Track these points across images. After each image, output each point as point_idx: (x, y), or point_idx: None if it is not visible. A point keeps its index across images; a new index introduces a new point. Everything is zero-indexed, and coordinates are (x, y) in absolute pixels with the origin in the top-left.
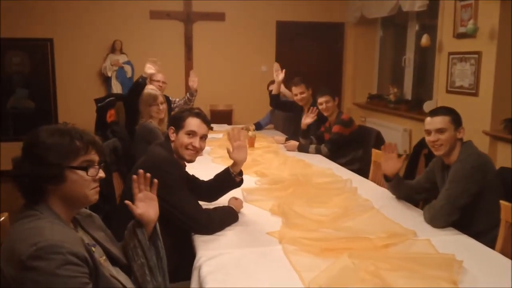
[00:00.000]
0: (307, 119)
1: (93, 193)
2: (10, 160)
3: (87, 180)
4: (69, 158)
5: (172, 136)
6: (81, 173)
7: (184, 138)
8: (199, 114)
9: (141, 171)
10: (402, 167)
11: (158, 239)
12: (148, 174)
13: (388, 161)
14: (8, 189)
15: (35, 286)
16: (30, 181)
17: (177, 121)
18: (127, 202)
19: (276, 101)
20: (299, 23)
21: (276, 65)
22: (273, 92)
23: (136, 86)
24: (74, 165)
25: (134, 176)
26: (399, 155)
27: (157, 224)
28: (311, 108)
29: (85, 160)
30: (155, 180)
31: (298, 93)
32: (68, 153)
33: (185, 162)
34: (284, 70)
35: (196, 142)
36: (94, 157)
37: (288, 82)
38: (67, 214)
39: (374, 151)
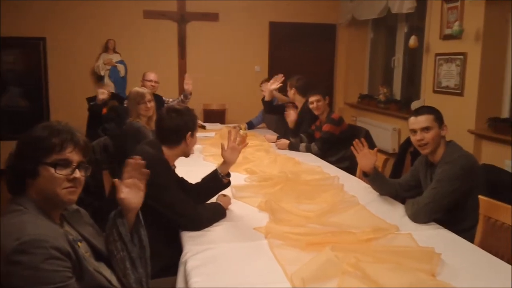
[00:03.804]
0: (291, 117)
1: (65, 193)
2: (2, 159)
3: (57, 178)
4: (44, 154)
5: (190, 139)
6: (52, 170)
7: (196, 138)
8: None
9: (138, 157)
10: (389, 166)
11: (141, 227)
12: (143, 162)
13: (363, 158)
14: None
15: (20, 281)
16: (10, 173)
17: (195, 124)
18: (116, 180)
19: (269, 107)
20: (292, 24)
21: (279, 77)
22: (265, 99)
23: (93, 112)
24: (47, 161)
25: (131, 160)
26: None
27: (140, 213)
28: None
29: (59, 159)
30: (146, 170)
31: (314, 101)
32: (44, 148)
33: (174, 164)
34: (280, 83)
35: None
36: (71, 156)
37: (283, 83)
38: (49, 209)
39: None
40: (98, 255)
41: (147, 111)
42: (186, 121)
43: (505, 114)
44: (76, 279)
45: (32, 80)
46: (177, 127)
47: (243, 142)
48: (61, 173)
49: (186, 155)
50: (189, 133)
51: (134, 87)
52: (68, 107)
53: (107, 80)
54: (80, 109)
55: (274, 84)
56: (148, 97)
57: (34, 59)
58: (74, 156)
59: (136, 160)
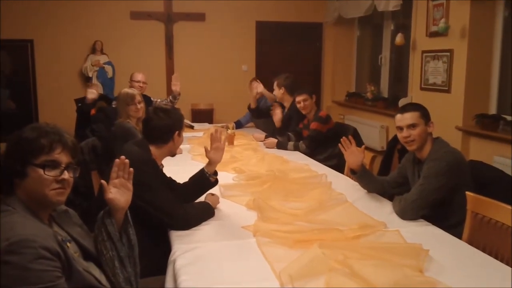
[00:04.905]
0: (276, 116)
1: (53, 194)
2: None
3: (46, 180)
4: (33, 155)
5: (178, 139)
6: (40, 171)
7: (182, 137)
8: None
9: (123, 157)
10: (377, 163)
11: (130, 227)
12: (127, 161)
13: (350, 156)
14: None
15: (9, 280)
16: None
17: (182, 123)
18: (102, 181)
19: (256, 112)
20: (278, 23)
21: (255, 83)
22: (251, 107)
23: (81, 113)
24: (35, 162)
25: (117, 160)
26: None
27: (128, 212)
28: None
29: (47, 160)
30: (131, 169)
31: (301, 101)
32: (32, 149)
33: (162, 163)
34: (259, 86)
35: None
36: (59, 157)
37: (270, 82)
38: (38, 210)
39: None
40: (87, 255)
41: (137, 112)
42: (174, 120)
43: (492, 111)
44: (66, 279)
45: (20, 82)
46: (166, 127)
47: (230, 142)
48: (50, 174)
49: (173, 154)
50: (177, 132)
51: (124, 88)
52: (56, 109)
53: (95, 81)
54: (68, 110)
55: (254, 89)
56: (138, 98)
57: (22, 61)
58: (62, 157)
59: (122, 160)
